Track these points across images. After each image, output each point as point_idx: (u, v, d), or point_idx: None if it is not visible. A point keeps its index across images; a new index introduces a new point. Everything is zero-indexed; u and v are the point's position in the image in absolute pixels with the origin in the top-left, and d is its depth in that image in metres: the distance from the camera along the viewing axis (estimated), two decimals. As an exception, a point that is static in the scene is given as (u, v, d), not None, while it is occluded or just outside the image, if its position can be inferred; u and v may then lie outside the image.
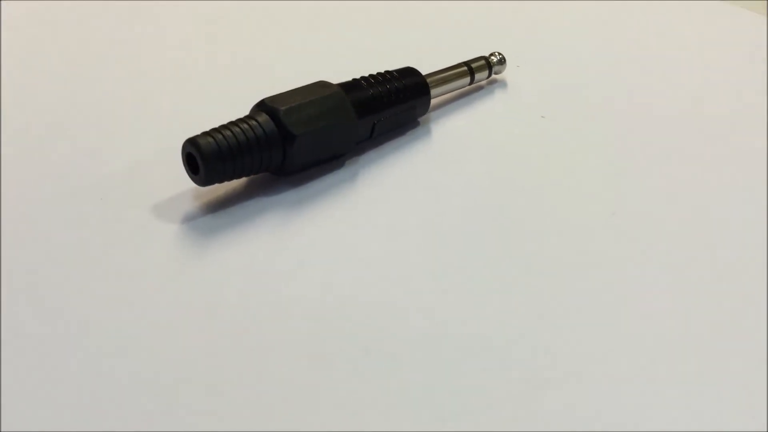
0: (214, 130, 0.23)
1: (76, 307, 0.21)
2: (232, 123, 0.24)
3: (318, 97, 0.25)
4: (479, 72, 0.30)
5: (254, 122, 0.24)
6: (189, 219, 0.24)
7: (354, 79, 0.27)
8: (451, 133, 0.28)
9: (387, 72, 0.27)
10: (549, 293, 0.22)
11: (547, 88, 0.31)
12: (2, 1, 0.35)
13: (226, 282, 0.22)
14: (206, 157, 0.23)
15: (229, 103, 0.28)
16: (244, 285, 0.22)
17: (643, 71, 0.33)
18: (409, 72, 0.28)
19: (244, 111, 0.25)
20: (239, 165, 0.23)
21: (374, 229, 0.24)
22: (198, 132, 0.24)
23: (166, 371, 0.19)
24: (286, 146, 0.24)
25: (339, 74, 0.27)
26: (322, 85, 0.26)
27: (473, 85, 0.30)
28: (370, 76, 0.27)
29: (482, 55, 0.30)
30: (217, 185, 0.24)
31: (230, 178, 0.24)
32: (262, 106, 0.24)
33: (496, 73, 0.31)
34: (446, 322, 0.21)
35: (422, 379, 0.19)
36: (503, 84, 0.31)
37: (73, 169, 0.26)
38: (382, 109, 0.26)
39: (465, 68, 0.30)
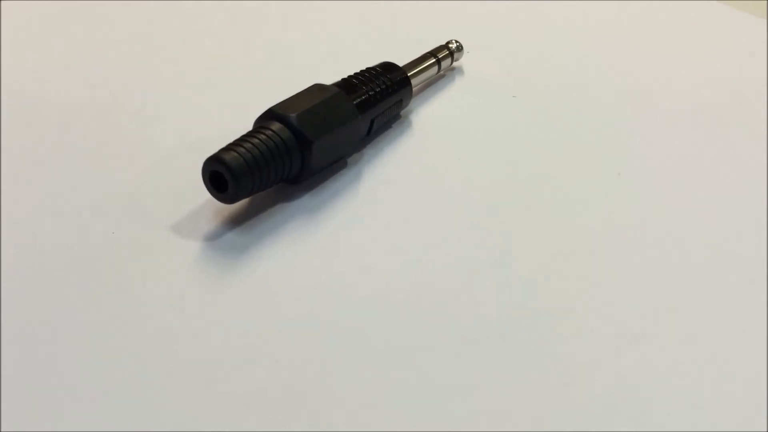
0: (235, 144, 0.23)
1: (119, 337, 0.20)
2: (248, 135, 0.23)
3: (324, 100, 0.25)
4: (444, 60, 0.31)
5: (270, 132, 0.23)
6: (214, 237, 0.23)
7: (344, 79, 0.27)
8: (434, 121, 0.29)
9: (371, 69, 0.28)
10: (578, 265, 0.24)
11: (504, 71, 0.32)
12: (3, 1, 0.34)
13: (275, 295, 0.22)
14: (236, 174, 0.22)
15: (217, 111, 0.29)
16: (293, 295, 0.22)
17: (599, 49, 0.35)
18: (390, 67, 0.28)
19: (231, 118, 0.25)
20: (264, 178, 0.23)
21: (399, 223, 0.24)
22: (190, 146, 0.23)
23: (241, 391, 0.19)
24: (304, 153, 0.24)
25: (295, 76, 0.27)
26: (320, 88, 0.26)
27: (438, 74, 0.31)
28: (357, 74, 0.27)
29: (442, 44, 0.31)
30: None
31: (255, 192, 0.23)
32: (271, 115, 0.24)
33: (455, 60, 0.32)
34: (503, 303, 0.22)
35: (501, 357, 0.20)
36: (460, 70, 0.32)
37: (78, 189, 0.25)
38: (377, 105, 0.27)
39: (433, 59, 0.30)
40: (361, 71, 0.27)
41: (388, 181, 0.26)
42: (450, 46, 0.31)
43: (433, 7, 0.37)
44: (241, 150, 0.23)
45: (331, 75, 0.27)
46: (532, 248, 0.24)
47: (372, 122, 0.27)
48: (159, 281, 0.22)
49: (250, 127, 0.24)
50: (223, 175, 0.22)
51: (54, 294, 0.22)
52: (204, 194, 0.23)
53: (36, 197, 0.25)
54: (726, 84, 0.32)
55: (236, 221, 0.24)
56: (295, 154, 0.24)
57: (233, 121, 0.25)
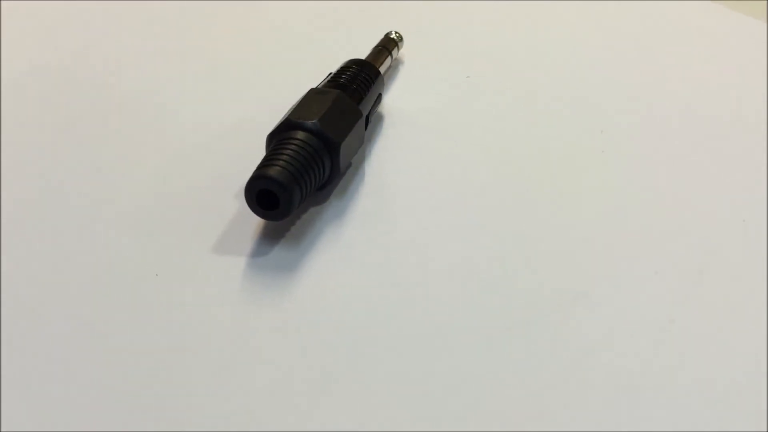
0: (272, 159, 0.23)
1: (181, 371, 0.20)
2: (279, 148, 0.23)
3: (333, 103, 0.25)
4: (393, 51, 0.32)
5: (299, 141, 0.23)
6: (261, 254, 0.23)
7: (332, 80, 0.27)
8: (405, 110, 0.30)
9: (348, 67, 0.28)
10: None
11: (446, 54, 0.34)
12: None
13: (342, 301, 0.22)
14: (289, 189, 0.22)
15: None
16: (361, 297, 0.22)
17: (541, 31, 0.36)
18: (363, 63, 0.29)
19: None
20: (309, 187, 0.23)
21: (420, 216, 0.25)
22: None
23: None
24: (333, 156, 0.24)
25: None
26: (320, 91, 0.26)
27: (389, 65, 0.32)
28: (339, 73, 0.27)
29: (385, 36, 0.32)
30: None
31: (301, 204, 0.23)
32: (290, 125, 0.24)
33: (399, 50, 0.33)
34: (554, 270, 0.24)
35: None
36: (401, 60, 0.34)
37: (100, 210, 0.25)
38: (367, 102, 0.27)
39: (386, 51, 0.31)
40: (341, 69, 0.28)
41: (393, 175, 0.27)
42: (393, 37, 0.32)
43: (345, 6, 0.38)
44: (282, 164, 0.22)
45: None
46: (541, 232, 0.25)
47: (367, 119, 0.27)
48: (217, 309, 0.22)
49: (244, 127, 0.26)
50: (275, 192, 0.22)
51: (102, 317, 0.21)
52: (233, 207, 0.24)
53: (59, 214, 0.24)
54: (724, 85, 0.32)
55: (278, 234, 0.24)
56: (326, 159, 0.24)
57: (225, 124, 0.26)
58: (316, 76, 0.28)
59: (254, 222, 0.24)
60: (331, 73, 0.28)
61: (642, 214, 0.25)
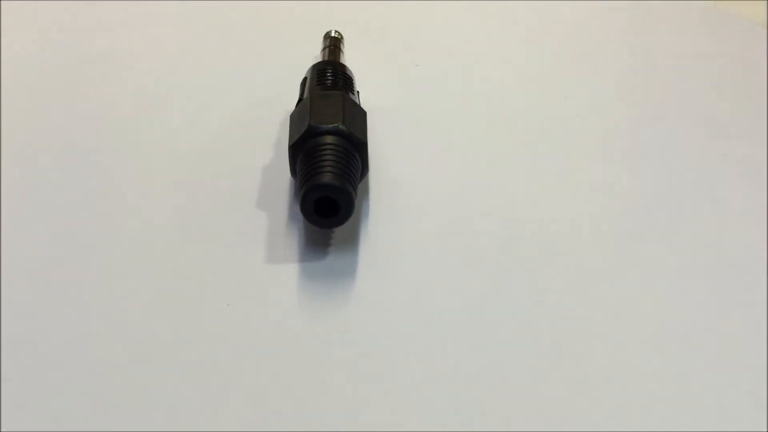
0: (318, 166, 0.23)
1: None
2: (318, 155, 0.23)
3: (345, 104, 0.25)
4: (343, 49, 0.32)
5: (333, 145, 0.23)
6: (314, 259, 0.23)
7: (321, 83, 0.27)
8: (375, 104, 0.30)
9: (325, 69, 0.28)
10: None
11: (381, 49, 0.35)
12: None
13: (405, 299, 0.23)
14: (348, 194, 0.22)
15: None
16: (422, 293, 0.23)
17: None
18: (334, 64, 0.29)
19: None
20: (356, 189, 0.23)
21: (450, 195, 0.26)
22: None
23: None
24: (362, 155, 0.24)
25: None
26: (324, 95, 0.26)
27: (337, 62, 0.32)
28: (324, 76, 0.27)
29: (329, 36, 0.32)
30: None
31: (350, 207, 0.23)
32: (315, 131, 0.24)
33: (343, 47, 0.33)
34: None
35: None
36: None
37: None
38: (356, 99, 0.28)
39: (338, 50, 0.31)
40: (320, 71, 0.28)
41: (398, 169, 0.27)
42: (336, 36, 0.33)
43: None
44: (332, 169, 0.23)
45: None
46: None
47: (361, 115, 0.28)
48: (287, 321, 0.22)
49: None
50: (334, 199, 0.22)
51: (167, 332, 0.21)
52: (259, 215, 0.25)
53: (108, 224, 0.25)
54: (723, 87, 0.33)
55: (323, 238, 0.24)
56: (358, 158, 0.24)
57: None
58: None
59: (288, 227, 0.24)
60: (306, 78, 0.28)
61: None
